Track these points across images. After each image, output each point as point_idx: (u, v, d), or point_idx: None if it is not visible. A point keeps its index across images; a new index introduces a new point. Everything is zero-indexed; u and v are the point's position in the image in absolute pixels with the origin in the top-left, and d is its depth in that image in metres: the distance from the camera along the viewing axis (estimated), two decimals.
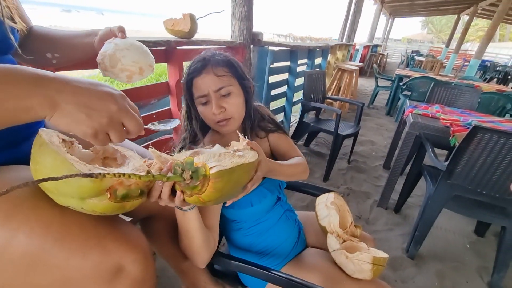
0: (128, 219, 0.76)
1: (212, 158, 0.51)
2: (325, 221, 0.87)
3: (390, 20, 13.16)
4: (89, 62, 0.71)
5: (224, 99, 0.71)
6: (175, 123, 0.73)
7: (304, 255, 0.86)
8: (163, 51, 1.35)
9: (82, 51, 0.68)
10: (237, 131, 0.65)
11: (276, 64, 2.44)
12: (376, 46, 9.51)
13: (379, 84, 4.67)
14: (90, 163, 0.53)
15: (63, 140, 0.50)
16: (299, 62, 2.98)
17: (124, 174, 0.39)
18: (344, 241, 0.83)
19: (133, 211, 0.72)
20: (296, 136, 2.47)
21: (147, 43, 1.16)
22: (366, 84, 6.97)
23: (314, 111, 2.68)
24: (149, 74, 0.64)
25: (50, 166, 0.41)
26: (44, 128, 0.48)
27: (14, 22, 0.55)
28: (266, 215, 0.83)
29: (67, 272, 0.47)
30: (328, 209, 0.89)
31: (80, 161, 0.43)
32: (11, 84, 0.36)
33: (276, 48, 2.39)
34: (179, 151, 0.79)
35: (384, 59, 10.24)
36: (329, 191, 0.97)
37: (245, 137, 0.62)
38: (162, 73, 3.76)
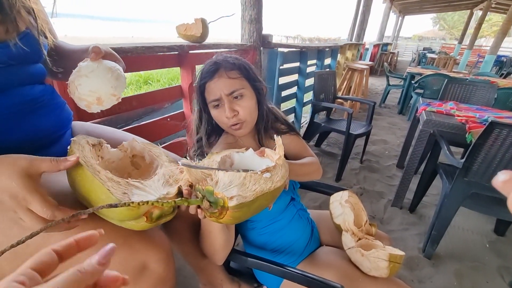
0: None
1: (236, 181, 0.50)
2: (340, 219, 0.88)
3: (400, 18, 12.94)
4: None
5: (236, 102, 0.72)
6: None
7: (319, 253, 0.86)
8: (176, 56, 1.39)
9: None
10: (276, 135, 0.63)
11: (286, 65, 2.45)
12: (386, 44, 9.39)
13: (390, 83, 4.61)
14: (121, 165, 0.57)
15: (93, 145, 0.54)
16: (309, 62, 2.98)
17: (157, 202, 0.44)
18: (359, 239, 0.83)
19: None
20: (307, 137, 2.47)
21: (161, 48, 1.20)
22: (377, 83, 6.87)
23: (324, 111, 2.67)
24: (112, 103, 0.57)
25: (87, 189, 0.46)
26: (75, 138, 0.52)
27: (45, 37, 0.59)
28: (279, 215, 0.84)
29: None
30: (343, 207, 0.90)
31: (115, 179, 0.47)
32: None
33: (285, 50, 2.40)
34: (194, 154, 0.81)
35: (395, 58, 10.07)
36: (343, 189, 0.97)
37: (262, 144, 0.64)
38: (174, 77, 3.85)
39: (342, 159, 2.17)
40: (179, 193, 0.52)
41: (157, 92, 1.40)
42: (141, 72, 3.70)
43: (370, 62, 4.79)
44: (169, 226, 0.82)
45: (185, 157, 0.68)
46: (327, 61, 3.70)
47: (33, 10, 0.55)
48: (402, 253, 0.78)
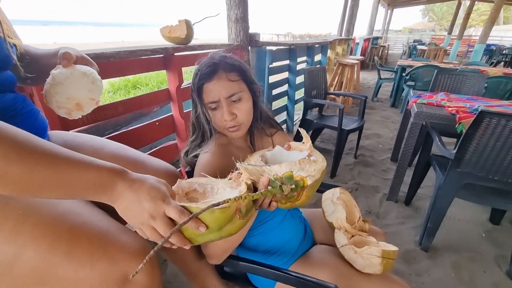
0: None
1: (295, 167, 0.57)
2: (332, 217, 0.86)
3: (389, 11, 13.00)
4: None
5: (234, 105, 0.70)
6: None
7: (312, 252, 0.85)
8: (161, 59, 1.36)
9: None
10: (301, 130, 0.72)
11: (275, 64, 2.43)
12: (377, 38, 9.42)
13: (382, 76, 4.62)
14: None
15: None
16: (299, 60, 2.97)
17: (248, 195, 0.48)
18: (353, 236, 0.82)
19: None
20: (300, 134, 2.46)
21: (144, 51, 1.17)
22: (369, 77, 6.89)
23: (317, 108, 2.66)
24: (92, 107, 0.58)
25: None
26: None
27: (12, 44, 0.57)
28: (271, 214, 0.83)
29: (76, 283, 0.48)
30: (335, 205, 0.88)
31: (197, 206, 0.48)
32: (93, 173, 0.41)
33: (274, 48, 2.38)
34: (186, 154, 0.79)
35: (386, 51, 10.11)
36: (335, 186, 0.96)
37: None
38: (163, 80, 3.80)
39: (336, 155, 2.17)
40: (249, 189, 0.53)
41: (144, 96, 1.37)
42: (130, 77, 3.64)
43: (361, 57, 4.80)
44: None
45: (184, 155, 0.77)
46: (318, 57, 3.70)
47: None
48: (395, 248, 0.77)
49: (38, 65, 0.62)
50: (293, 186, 0.54)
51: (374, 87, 4.78)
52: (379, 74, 4.62)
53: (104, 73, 1.18)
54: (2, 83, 0.56)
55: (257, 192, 0.50)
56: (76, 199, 0.54)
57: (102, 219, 0.57)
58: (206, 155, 0.72)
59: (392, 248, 0.76)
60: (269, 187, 0.54)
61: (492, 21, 7.14)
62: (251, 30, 1.87)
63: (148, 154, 1.47)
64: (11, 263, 0.45)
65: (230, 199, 0.45)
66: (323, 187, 1.03)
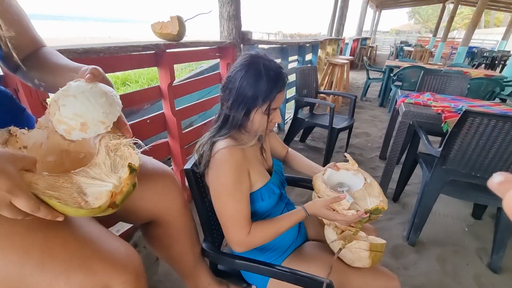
0: (128, 226, 0.76)
1: (364, 192, 0.82)
2: None
3: (377, 13, 13.24)
4: None
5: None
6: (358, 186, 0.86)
7: (304, 248, 0.87)
8: (152, 55, 1.34)
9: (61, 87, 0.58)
10: (347, 154, 0.98)
11: None
12: (365, 39, 9.58)
13: (371, 76, 4.71)
14: (51, 144, 0.53)
15: (5, 142, 0.48)
16: (290, 59, 2.99)
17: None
18: (342, 231, 0.84)
19: (132, 217, 0.72)
20: (291, 133, 2.48)
21: (135, 47, 1.16)
22: (358, 77, 7.01)
23: (308, 107, 2.69)
24: (98, 132, 0.49)
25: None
26: None
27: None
28: (268, 211, 0.84)
29: None
30: None
31: (59, 184, 0.43)
32: None
33: (266, 46, 2.39)
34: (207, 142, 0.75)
35: (374, 51, 10.31)
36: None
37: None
38: (153, 77, 3.73)
39: (326, 153, 2.20)
40: (131, 170, 0.48)
41: (134, 93, 1.35)
42: (118, 73, 3.54)
43: (350, 57, 4.88)
44: (150, 233, 0.80)
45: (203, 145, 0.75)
46: (308, 56, 3.73)
47: None
48: (383, 241, 0.79)
49: (51, 76, 0.58)
50: (380, 214, 0.75)
51: (363, 87, 4.87)
52: (368, 74, 4.71)
53: None
54: None
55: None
56: None
57: (83, 225, 0.53)
58: (230, 148, 0.70)
59: (380, 241, 0.79)
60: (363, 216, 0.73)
61: (474, 24, 7.40)
62: (243, 28, 1.86)
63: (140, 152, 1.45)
64: None
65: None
66: (303, 182, 1.08)
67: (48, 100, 0.56)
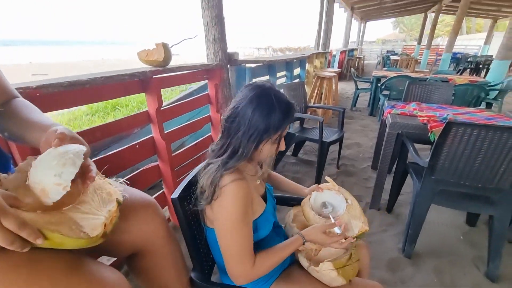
0: (112, 259, 0.74)
1: (348, 215, 0.89)
2: None
3: (362, 24, 13.68)
4: None
5: None
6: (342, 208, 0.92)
7: (291, 271, 0.86)
8: (139, 82, 1.36)
9: (29, 141, 0.59)
10: (328, 178, 1.05)
11: (255, 80, 2.49)
12: (352, 50, 9.85)
13: (359, 87, 4.81)
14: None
15: None
16: (278, 74, 3.05)
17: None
18: (317, 250, 0.85)
19: (117, 250, 0.71)
20: None
21: (121, 77, 1.17)
22: (347, 88, 7.15)
23: (298, 121, 2.72)
24: (60, 194, 0.49)
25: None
26: None
27: None
28: (262, 239, 0.83)
29: None
30: (291, 229, 0.92)
31: (53, 220, 0.47)
32: None
33: (253, 65, 2.44)
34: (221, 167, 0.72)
35: (362, 62, 10.57)
36: (293, 199, 1.07)
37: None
38: (143, 100, 3.76)
39: (318, 167, 2.21)
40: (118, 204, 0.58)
41: (122, 120, 1.35)
42: None
43: (338, 69, 4.99)
44: (135, 264, 0.79)
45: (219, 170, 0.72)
46: (297, 71, 3.81)
47: None
48: (346, 256, 0.80)
49: (23, 131, 0.58)
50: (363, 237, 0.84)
51: (353, 97, 4.96)
52: (356, 85, 4.81)
53: (82, 100, 1.17)
54: None
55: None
56: None
57: (67, 258, 0.53)
58: (239, 181, 0.69)
59: (343, 256, 0.80)
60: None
61: (455, 32, 7.67)
62: (234, 43, 1.91)
63: (129, 177, 1.44)
64: None
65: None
66: (293, 201, 1.08)
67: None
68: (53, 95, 0.97)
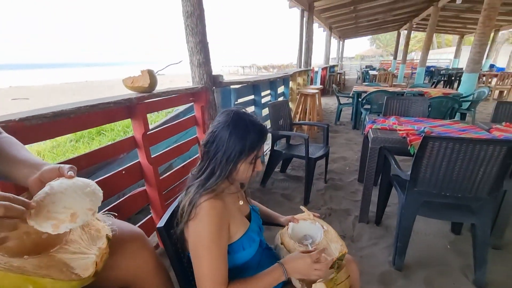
0: None
1: (325, 241, 0.92)
2: None
3: (341, 42, 14.35)
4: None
5: None
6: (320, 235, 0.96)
7: None
8: (125, 108, 1.37)
9: (16, 178, 0.59)
10: (302, 207, 1.09)
11: (240, 100, 2.54)
12: (333, 66, 10.25)
13: (341, 102, 4.98)
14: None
15: None
16: (263, 93, 3.12)
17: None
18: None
19: (103, 285, 0.69)
20: (270, 165, 2.52)
21: (106, 104, 1.18)
22: (330, 103, 7.37)
23: (284, 138, 2.76)
24: (86, 219, 0.53)
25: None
26: None
27: None
28: (249, 259, 0.83)
29: None
30: (281, 250, 0.93)
31: (45, 263, 0.48)
32: None
33: (238, 85, 2.50)
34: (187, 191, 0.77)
35: (343, 77, 10.99)
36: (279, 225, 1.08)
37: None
38: (129, 124, 3.73)
39: (306, 183, 2.23)
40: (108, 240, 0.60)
41: (108, 147, 1.34)
42: None
43: (320, 86, 5.17)
44: None
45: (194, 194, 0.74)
46: (281, 89, 3.92)
47: None
48: (331, 275, 0.82)
49: (9, 168, 0.58)
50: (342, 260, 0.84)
51: (336, 112, 5.12)
52: (338, 100, 4.98)
53: (66, 129, 1.16)
54: None
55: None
56: None
57: None
58: (213, 200, 0.72)
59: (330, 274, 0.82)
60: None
61: (426, 47, 8.17)
62: (219, 61, 1.97)
63: (117, 204, 1.41)
64: None
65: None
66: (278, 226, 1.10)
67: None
68: (36, 127, 0.96)
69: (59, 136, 1.14)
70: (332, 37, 10.06)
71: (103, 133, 3.60)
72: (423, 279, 1.45)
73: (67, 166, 0.56)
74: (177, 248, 0.80)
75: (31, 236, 0.54)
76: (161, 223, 0.76)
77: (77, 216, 0.50)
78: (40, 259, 0.48)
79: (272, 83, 3.38)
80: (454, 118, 3.59)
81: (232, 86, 2.28)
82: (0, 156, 0.59)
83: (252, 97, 2.81)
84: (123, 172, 1.42)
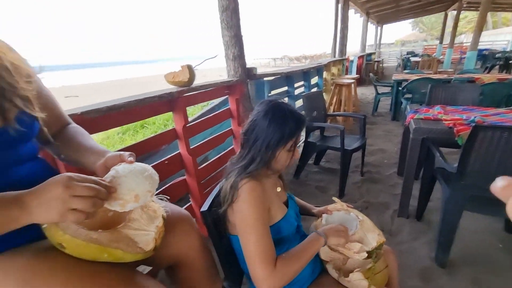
0: (148, 268, 0.80)
1: (362, 231, 0.90)
2: (320, 253, 0.89)
3: (379, 28, 13.49)
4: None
5: None
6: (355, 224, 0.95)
7: (321, 281, 0.86)
8: (167, 102, 1.46)
9: (84, 164, 0.68)
10: (335, 198, 1.09)
11: (274, 92, 2.55)
12: (370, 54, 9.71)
13: (379, 92, 4.73)
14: None
15: None
16: (296, 85, 3.09)
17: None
18: (344, 259, 0.86)
19: (155, 260, 0.77)
20: (304, 157, 2.51)
21: (152, 98, 1.27)
22: (367, 92, 7.03)
23: (318, 130, 2.73)
24: (146, 200, 0.59)
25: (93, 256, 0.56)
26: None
27: (32, 110, 0.60)
28: (286, 243, 0.86)
29: None
30: None
31: (117, 238, 0.57)
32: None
33: (272, 77, 2.51)
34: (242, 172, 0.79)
35: (380, 65, 10.38)
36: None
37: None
38: (169, 117, 3.98)
39: (342, 175, 2.19)
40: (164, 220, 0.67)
41: (151, 139, 1.45)
42: None
43: (356, 75, 4.95)
44: (173, 275, 0.84)
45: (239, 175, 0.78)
46: (314, 80, 3.84)
47: (27, 97, 0.58)
48: (369, 265, 0.82)
49: (78, 155, 0.68)
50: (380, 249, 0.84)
51: (373, 102, 4.88)
52: (376, 90, 4.74)
53: (118, 122, 1.28)
54: (21, 155, 0.61)
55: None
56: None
57: (121, 271, 0.59)
58: (253, 181, 0.76)
59: (367, 264, 0.81)
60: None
61: (479, 28, 7.34)
62: (250, 54, 1.98)
63: (159, 192, 1.52)
64: None
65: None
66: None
67: None
68: (94, 119, 1.08)
69: (112, 128, 1.26)
70: (369, 23, 9.51)
71: (146, 126, 3.88)
72: (470, 278, 1.37)
73: (127, 153, 0.63)
74: (219, 232, 0.86)
75: (99, 214, 0.63)
76: (204, 207, 0.82)
77: (139, 197, 0.56)
78: (111, 233, 0.57)
79: (305, 74, 3.33)
80: (510, 106, 3.22)
81: (265, 78, 2.30)
82: (72, 145, 0.69)
83: (285, 88, 2.80)
84: (166, 162, 1.53)
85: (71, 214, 0.47)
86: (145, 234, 0.60)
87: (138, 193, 0.56)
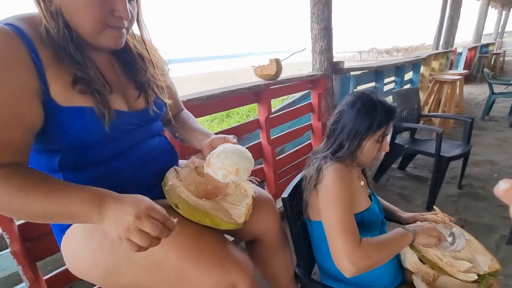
0: (231, 239, 0.91)
1: (468, 252, 0.79)
2: (405, 262, 0.81)
3: (504, 12, 10.87)
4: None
5: None
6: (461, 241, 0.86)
7: None
8: (253, 94, 1.57)
9: (193, 143, 0.80)
10: (436, 208, 0.98)
11: (359, 87, 2.40)
12: (487, 45, 7.97)
13: (495, 91, 3.88)
14: (191, 178, 0.75)
15: (175, 170, 0.73)
16: (386, 80, 2.83)
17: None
18: (435, 274, 0.76)
19: (239, 235, 0.86)
20: (388, 160, 2.29)
21: (242, 90, 1.39)
22: (477, 92, 5.84)
23: (408, 131, 2.44)
24: (244, 177, 0.65)
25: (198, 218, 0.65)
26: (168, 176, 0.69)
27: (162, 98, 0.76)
28: (369, 235, 0.83)
29: (198, 285, 0.62)
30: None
31: (215, 206, 0.65)
32: (83, 203, 0.50)
33: (358, 72, 2.37)
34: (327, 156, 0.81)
35: (500, 59, 8.41)
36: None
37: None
38: (251, 108, 4.30)
39: (433, 185, 1.93)
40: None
41: (237, 127, 1.59)
42: None
43: (464, 71, 4.15)
44: (253, 249, 0.92)
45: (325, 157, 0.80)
46: (408, 75, 3.42)
47: (162, 87, 0.75)
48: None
49: (187, 134, 0.83)
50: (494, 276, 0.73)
51: (485, 104, 4.04)
52: (491, 89, 3.90)
53: (213, 109, 1.46)
54: (155, 130, 0.77)
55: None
56: (73, 222, 0.62)
57: (217, 235, 0.69)
58: (340, 164, 0.77)
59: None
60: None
61: None
62: (334, 48, 1.90)
63: None
64: (160, 262, 0.61)
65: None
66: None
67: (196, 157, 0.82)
68: (196, 106, 1.26)
69: (209, 114, 1.46)
70: (490, 7, 7.78)
71: (230, 116, 4.28)
72: None
73: (231, 135, 0.73)
74: (296, 219, 0.90)
75: (201, 185, 0.76)
76: (285, 194, 0.88)
77: (239, 172, 0.64)
78: (211, 202, 0.66)
79: (398, 69, 3.00)
80: None
81: (352, 73, 2.19)
82: (185, 126, 0.84)
83: (373, 84, 2.60)
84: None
85: (127, 242, 0.49)
86: (238, 208, 0.68)
87: (239, 168, 0.63)
